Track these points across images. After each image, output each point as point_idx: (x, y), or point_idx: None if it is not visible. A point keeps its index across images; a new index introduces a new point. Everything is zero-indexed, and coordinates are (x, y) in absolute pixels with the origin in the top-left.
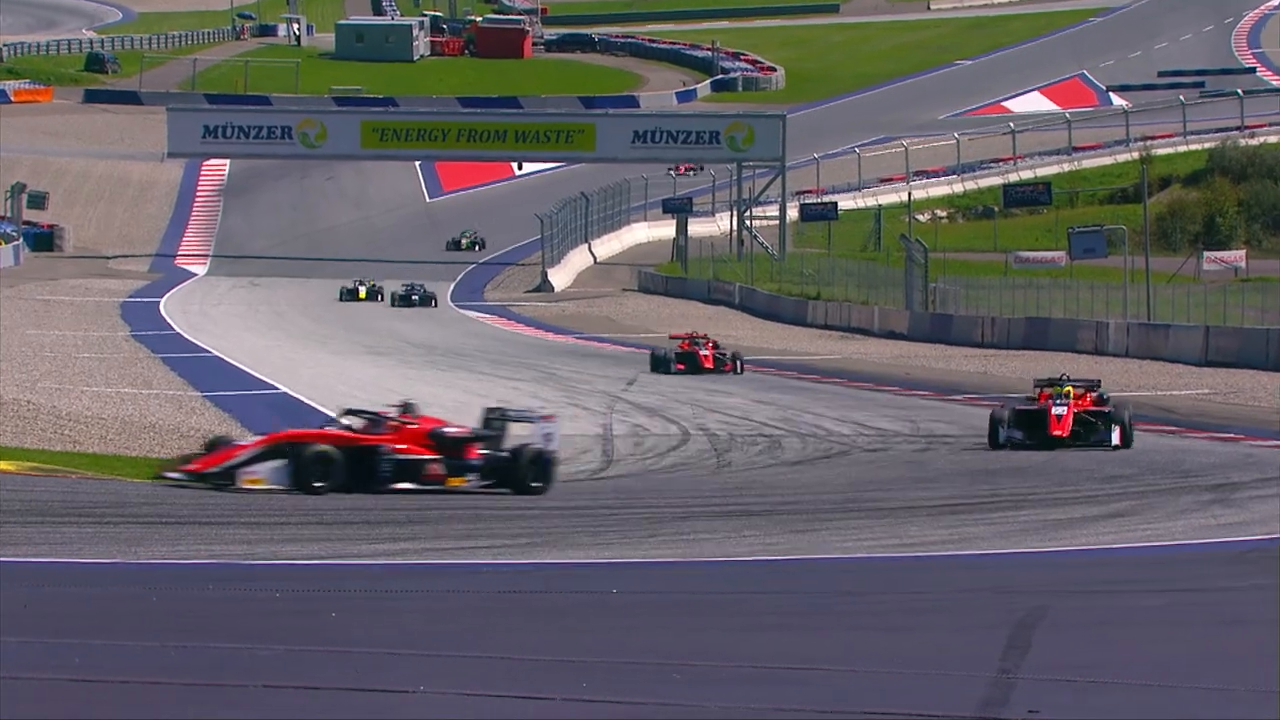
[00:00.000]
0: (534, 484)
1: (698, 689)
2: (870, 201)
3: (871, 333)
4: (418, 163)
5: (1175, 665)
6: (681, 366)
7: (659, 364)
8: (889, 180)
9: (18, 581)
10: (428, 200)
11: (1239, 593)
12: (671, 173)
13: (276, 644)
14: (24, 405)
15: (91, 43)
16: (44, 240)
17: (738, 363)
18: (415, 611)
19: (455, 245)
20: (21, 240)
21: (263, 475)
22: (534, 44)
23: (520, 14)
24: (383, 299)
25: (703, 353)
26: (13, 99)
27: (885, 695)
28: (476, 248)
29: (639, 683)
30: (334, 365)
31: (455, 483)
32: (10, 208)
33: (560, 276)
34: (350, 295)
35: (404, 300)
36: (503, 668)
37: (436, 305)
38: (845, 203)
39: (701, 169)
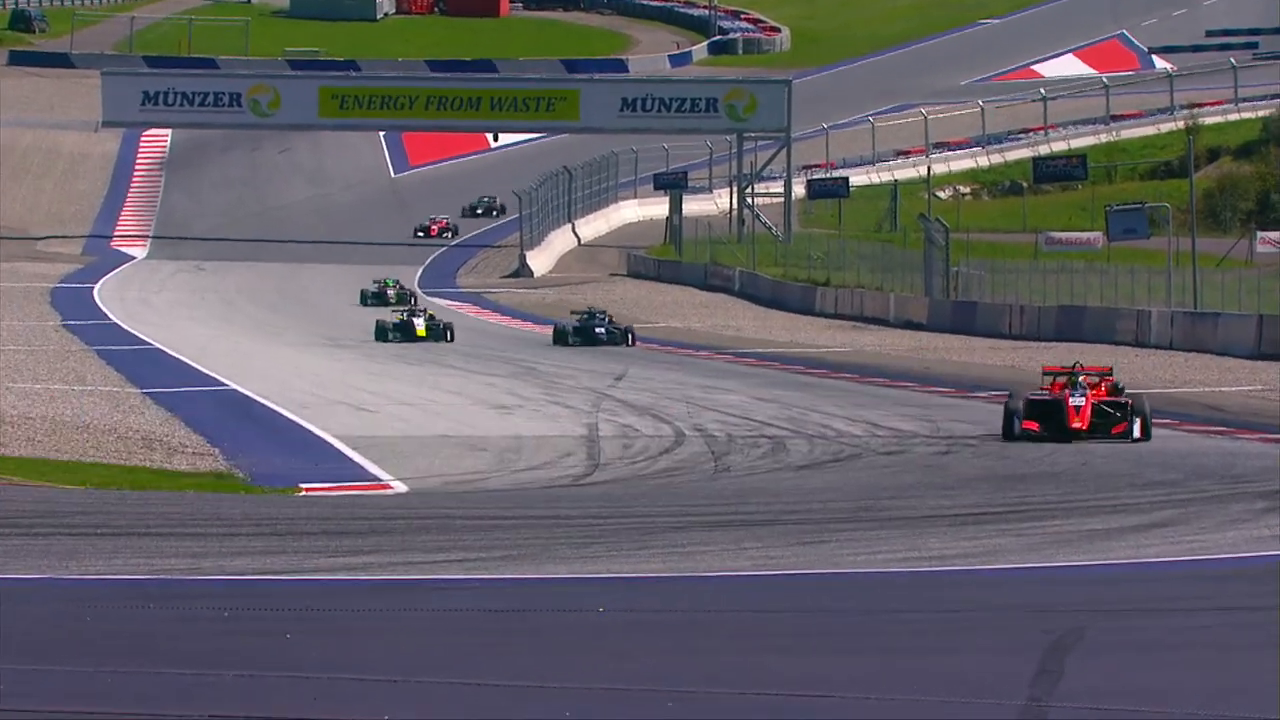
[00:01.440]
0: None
1: (694, 718)
2: (885, 177)
3: (887, 322)
4: (382, 133)
5: (1226, 693)
6: (1033, 425)
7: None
8: (906, 153)
9: None
10: (393, 175)
11: None
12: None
13: (225, 669)
14: None
15: None
16: None
17: (1137, 419)
18: (380, 632)
19: (377, 298)
20: None
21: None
22: (511, 1)
23: None
24: (451, 337)
25: (1073, 402)
26: None
27: None
28: (413, 300)
29: (629, 710)
30: (290, 359)
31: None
32: None
33: (540, 260)
34: (401, 332)
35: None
36: (477, 694)
37: (452, 339)
38: (857, 178)
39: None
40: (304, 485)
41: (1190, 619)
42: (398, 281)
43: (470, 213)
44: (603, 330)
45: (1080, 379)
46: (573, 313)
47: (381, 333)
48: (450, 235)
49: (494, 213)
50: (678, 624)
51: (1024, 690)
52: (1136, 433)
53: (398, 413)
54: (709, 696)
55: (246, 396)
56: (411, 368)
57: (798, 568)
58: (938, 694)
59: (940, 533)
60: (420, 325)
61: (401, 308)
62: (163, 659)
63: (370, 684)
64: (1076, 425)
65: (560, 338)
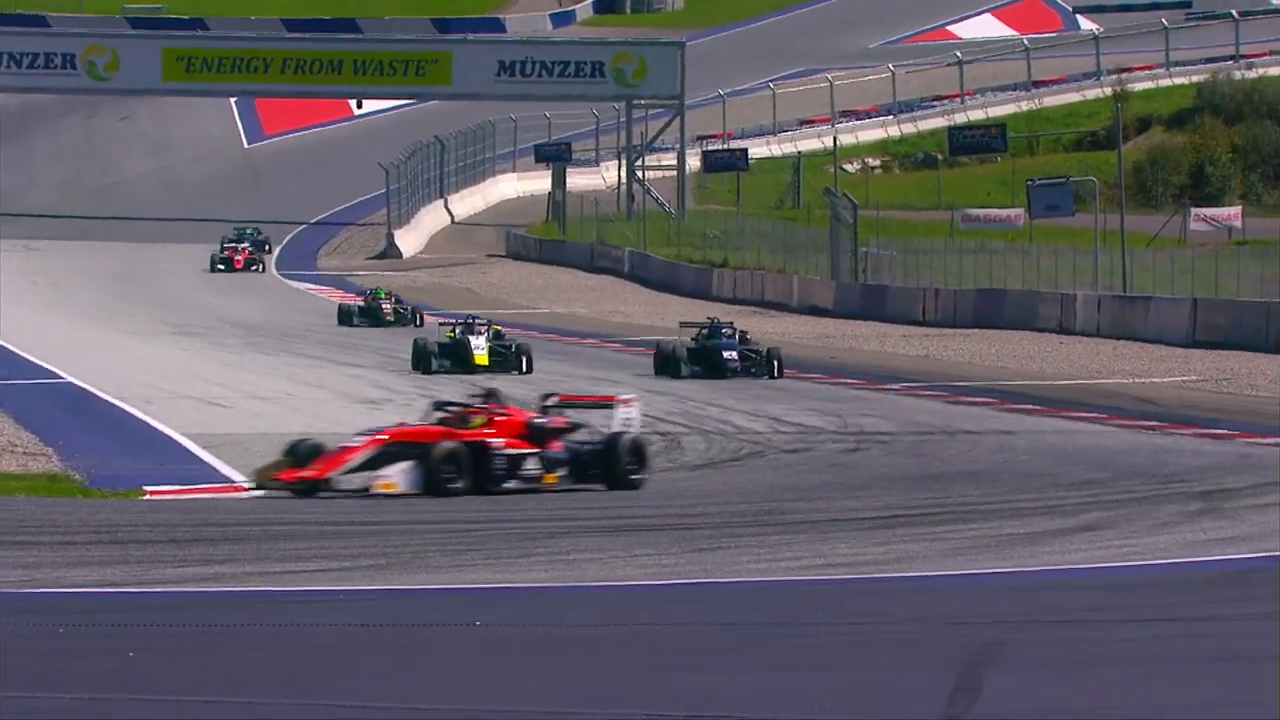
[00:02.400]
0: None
1: None
2: (787, 148)
3: (790, 308)
4: (233, 99)
5: (1158, 710)
6: None
7: None
8: (810, 122)
9: None
10: (246, 145)
11: (1235, 622)
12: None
13: (63, 690)
14: None
15: None
16: None
17: (543, 464)
18: (234, 649)
19: (368, 314)
20: None
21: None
22: None
23: None
24: (529, 367)
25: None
26: None
27: None
28: (417, 317)
29: None
30: (131, 349)
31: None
32: None
33: (410, 239)
34: (452, 358)
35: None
36: (342, 716)
37: (530, 369)
38: (757, 150)
39: None
40: (148, 488)
41: (1120, 631)
42: (392, 294)
43: (231, 246)
44: (734, 356)
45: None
46: (683, 325)
47: (422, 358)
48: (258, 268)
49: (264, 246)
50: (564, 639)
51: (940, 708)
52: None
53: (252, 407)
54: (597, 717)
55: (84, 390)
56: (267, 358)
57: (694, 576)
58: (846, 712)
59: (849, 538)
60: (479, 349)
61: (451, 321)
62: None
63: (223, 706)
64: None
65: (668, 366)
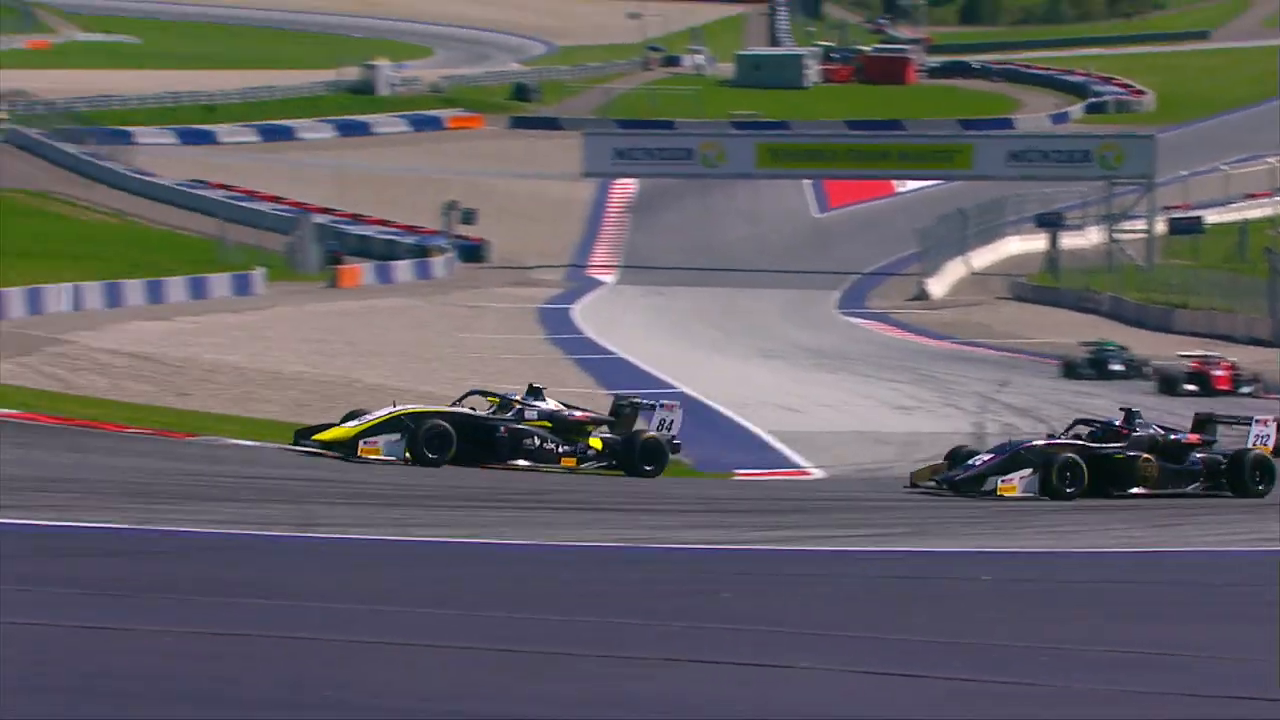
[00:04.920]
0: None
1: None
2: (1236, 216)
3: (1235, 339)
4: (807, 181)
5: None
6: None
7: None
8: (1254, 196)
9: None
10: (814, 215)
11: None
12: None
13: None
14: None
15: (518, 74)
16: (472, 252)
17: None
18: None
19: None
20: (453, 252)
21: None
22: (917, 71)
23: (905, 44)
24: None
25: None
26: (449, 126)
27: None
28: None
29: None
30: (730, 368)
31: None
32: (444, 223)
33: (938, 285)
34: None
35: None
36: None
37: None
38: (1211, 217)
39: None
40: (738, 471)
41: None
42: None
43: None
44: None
45: None
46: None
47: None
48: (1256, 390)
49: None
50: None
51: None
52: None
53: (818, 412)
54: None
55: (697, 400)
56: (829, 374)
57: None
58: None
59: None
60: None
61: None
62: None
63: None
64: None
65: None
